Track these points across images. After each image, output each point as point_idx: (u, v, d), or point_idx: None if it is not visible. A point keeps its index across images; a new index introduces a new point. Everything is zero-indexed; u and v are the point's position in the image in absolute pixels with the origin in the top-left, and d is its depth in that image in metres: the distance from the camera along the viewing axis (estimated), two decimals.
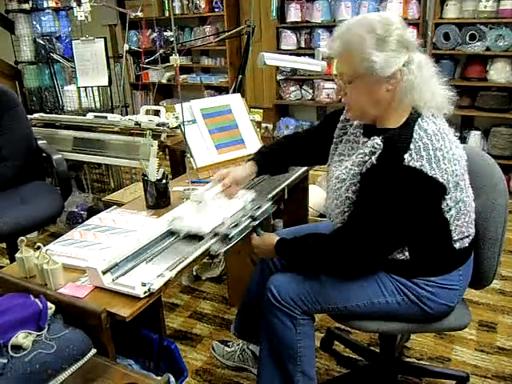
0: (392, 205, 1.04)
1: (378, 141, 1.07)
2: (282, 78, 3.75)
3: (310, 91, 3.72)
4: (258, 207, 1.33)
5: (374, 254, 1.13)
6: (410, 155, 1.02)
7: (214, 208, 1.26)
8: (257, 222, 1.28)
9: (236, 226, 1.21)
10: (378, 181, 1.05)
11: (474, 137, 3.07)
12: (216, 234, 1.19)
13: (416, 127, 1.06)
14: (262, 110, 1.98)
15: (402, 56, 1.06)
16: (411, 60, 1.07)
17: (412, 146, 1.02)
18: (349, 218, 1.15)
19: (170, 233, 1.22)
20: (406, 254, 1.14)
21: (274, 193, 1.54)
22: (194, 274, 2.23)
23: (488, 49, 2.90)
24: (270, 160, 1.41)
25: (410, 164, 1.01)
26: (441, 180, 1.03)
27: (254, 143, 1.85)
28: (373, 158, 1.07)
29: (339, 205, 1.17)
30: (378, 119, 1.14)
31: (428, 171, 1.01)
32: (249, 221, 1.25)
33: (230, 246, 1.16)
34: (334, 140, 1.30)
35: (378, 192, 1.05)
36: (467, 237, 1.18)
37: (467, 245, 1.18)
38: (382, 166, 1.05)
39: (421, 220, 1.08)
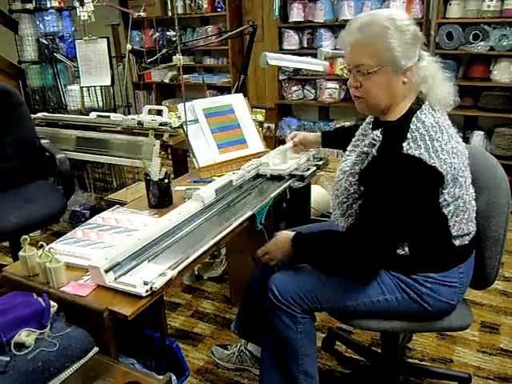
0: (396, 195, 1.05)
1: (377, 133, 1.11)
2: (285, 77, 3.75)
3: (313, 91, 3.73)
4: (320, 159, 1.75)
5: (385, 248, 1.12)
6: (408, 144, 1.04)
7: (290, 158, 1.67)
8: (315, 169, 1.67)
9: (307, 170, 1.63)
10: (379, 172, 1.08)
11: (477, 137, 3.07)
12: (293, 176, 1.59)
13: (414, 119, 1.09)
14: (264, 110, 1.99)
15: (417, 50, 1.11)
16: (422, 55, 1.13)
17: (409, 136, 1.05)
18: (359, 212, 1.16)
19: (258, 175, 1.61)
20: (406, 249, 1.15)
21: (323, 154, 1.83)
22: (196, 273, 2.24)
23: (492, 48, 2.89)
24: (333, 137, 1.63)
25: (409, 152, 1.03)
26: (440, 169, 1.05)
27: (255, 143, 1.85)
28: (373, 150, 1.10)
29: (339, 195, 1.22)
30: (385, 113, 1.16)
31: (427, 160, 1.03)
32: (315, 168, 1.67)
33: (304, 183, 1.58)
34: (353, 138, 1.33)
35: (381, 183, 1.07)
36: (467, 234, 1.18)
37: (467, 242, 1.19)
38: (382, 156, 1.08)
39: (421, 211, 1.09)
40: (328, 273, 1.21)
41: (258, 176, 1.61)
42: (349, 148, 1.32)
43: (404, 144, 1.04)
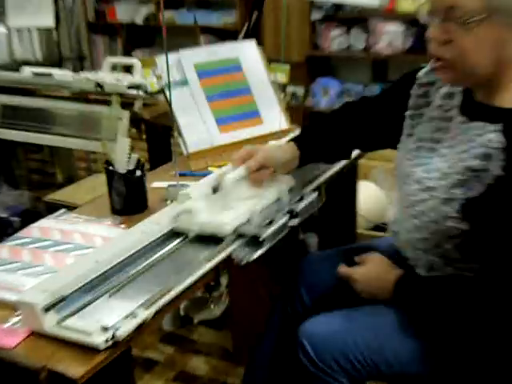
0: None
1: (493, 136, 1.08)
2: (320, 17, 3.75)
3: (363, 37, 3.72)
4: (300, 198, 1.41)
5: None
6: None
7: (238, 199, 1.35)
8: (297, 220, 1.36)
9: (270, 223, 1.29)
10: None
11: None
12: (241, 235, 1.26)
13: None
14: (287, 66, 1.98)
15: None
16: None
17: None
18: (495, 260, 1.13)
19: (174, 233, 1.29)
20: None
21: (321, 179, 1.60)
22: (182, 314, 2.26)
23: None
24: (324, 142, 1.44)
25: None
26: None
27: (274, 116, 1.85)
28: (492, 166, 1.07)
29: (419, 226, 1.19)
30: (486, 88, 1.14)
31: None
32: (286, 217, 1.32)
33: (260, 252, 1.23)
34: (409, 113, 1.31)
35: None
36: None
37: None
38: None
39: None
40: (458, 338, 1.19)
41: (174, 235, 1.30)
42: (413, 140, 1.28)
43: None
